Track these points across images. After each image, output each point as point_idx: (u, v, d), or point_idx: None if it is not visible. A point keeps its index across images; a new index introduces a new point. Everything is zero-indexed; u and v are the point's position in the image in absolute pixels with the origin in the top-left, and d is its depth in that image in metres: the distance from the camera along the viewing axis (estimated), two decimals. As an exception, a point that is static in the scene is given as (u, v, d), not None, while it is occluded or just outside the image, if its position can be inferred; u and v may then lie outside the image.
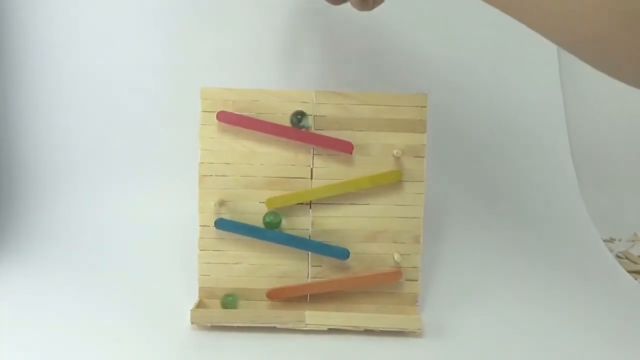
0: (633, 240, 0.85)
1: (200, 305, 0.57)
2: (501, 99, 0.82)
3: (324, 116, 0.57)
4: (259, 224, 0.57)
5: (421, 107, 0.58)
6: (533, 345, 0.54)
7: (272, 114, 0.57)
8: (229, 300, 0.57)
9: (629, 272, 0.72)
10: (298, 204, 0.58)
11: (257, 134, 0.57)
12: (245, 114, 0.57)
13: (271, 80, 0.76)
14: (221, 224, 0.57)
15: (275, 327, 0.54)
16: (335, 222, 0.58)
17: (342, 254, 0.58)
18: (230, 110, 0.57)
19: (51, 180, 0.78)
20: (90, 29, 0.77)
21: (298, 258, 0.58)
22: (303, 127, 0.56)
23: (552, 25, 0.41)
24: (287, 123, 0.57)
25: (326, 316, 0.54)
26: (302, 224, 0.58)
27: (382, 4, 0.55)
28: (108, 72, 0.78)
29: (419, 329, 0.54)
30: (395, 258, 0.58)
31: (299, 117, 0.56)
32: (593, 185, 0.87)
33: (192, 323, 0.55)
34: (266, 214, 0.57)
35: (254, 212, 0.58)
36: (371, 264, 0.59)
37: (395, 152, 0.57)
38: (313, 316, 0.54)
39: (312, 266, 0.58)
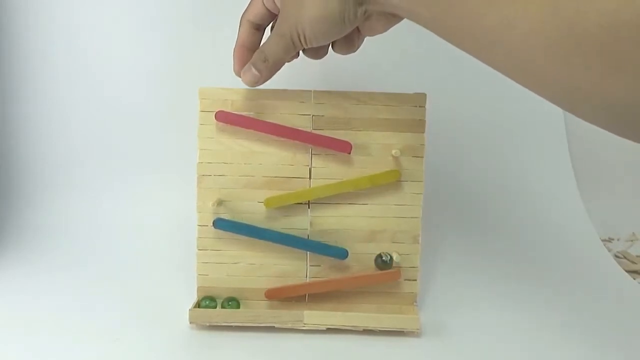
0: (631, 240, 0.85)
1: (198, 305, 0.57)
2: (499, 98, 0.82)
3: (322, 116, 0.57)
4: (258, 223, 0.57)
5: (420, 106, 0.58)
6: (532, 345, 0.54)
7: (270, 113, 0.57)
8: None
9: (628, 271, 0.72)
10: (297, 203, 0.58)
11: (255, 134, 0.57)
12: (243, 113, 0.57)
13: (269, 79, 0.76)
14: (220, 224, 0.57)
15: (274, 326, 0.54)
16: (334, 222, 0.58)
17: (341, 253, 0.58)
18: (228, 110, 0.57)
19: (51, 180, 0.78)
20: (89, 29, 0.77)
21: (297, 258, 0.58)
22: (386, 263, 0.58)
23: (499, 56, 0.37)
24: (286, 123, 0.57)
25: (325, 316, 0.54)
26: (300, 223, 0.58)
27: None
28: (107, 72, 0.78)
29: (418, 329, 0.54)
30: (394, 258, 0.58)
31: (383, 259, 0.57)
32: (591, 184, 0.87)
33: (190, 323, 0.55)
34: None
35: (253, 211, 0.58)
36: (370, 264, 0.59)
37: (394, 152, 0.57)
38: (312, 316, 0.54)
39: (311, 266, 0.58)
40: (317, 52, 0.53)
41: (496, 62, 0.39)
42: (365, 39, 0.53)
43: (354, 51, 0.53)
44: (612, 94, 0.33)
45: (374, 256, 0.58)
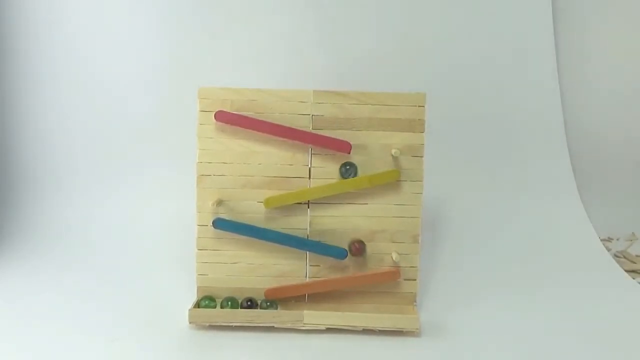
0: (631, 240, 0.85)
1: (198, 304, 0.57)
2: (500, 99, 0.82)
3: (322, 116, 0.57)
4: (257, 223, 0.57)
5: (419, 106, 0.58)
6: (531, 344, 0.54)
7: (270, 113, 0.57)
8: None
9: (627, 271, 0.72)
10: (296, 203, 0.58)
11: (255, 134, 0.57)
12: (243, 113, 0.57)
13: (269, 80, 0.76)
14: (219, 224, 0.57)
15: (273, 326, 0.54)
16: (334, 221, 0.58)
17: (340, 253, 0.58)
18: (228, 109, 0.57)
19: (51, 180, 0.78)
20: (90, 30, 0.77)
21: (296, 258, 0.58)
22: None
23: None
24: (285, 123, 0.57)
25: (324, 316, 0.54)
26: (300, 223, 0.58)
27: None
28: (107, 73, 0.78)
29: (417, 329, 0.54)
30: (394, 258, 0.58)
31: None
32: (591, 185, 0.87)
33: (190, 322, 0.55)
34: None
35: (252, 211, 0.58)
36: (369, 264, 0.59)
37: (393, 151, 0.57)
38: (311, 316, 0.54)
39: (311, 266, 0.58)
40: None
41: None
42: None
43: None
44: None
45: (373, 256, 0.58)
